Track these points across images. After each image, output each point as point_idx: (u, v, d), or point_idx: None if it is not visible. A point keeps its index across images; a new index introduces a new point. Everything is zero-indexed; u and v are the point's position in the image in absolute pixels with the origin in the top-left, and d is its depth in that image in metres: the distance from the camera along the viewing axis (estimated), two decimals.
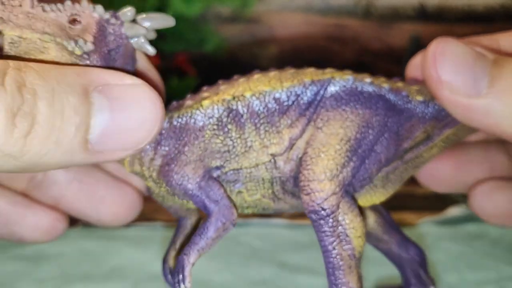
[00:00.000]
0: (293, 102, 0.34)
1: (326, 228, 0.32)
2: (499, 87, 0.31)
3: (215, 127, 0.33)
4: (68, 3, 0.31)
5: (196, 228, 0.38)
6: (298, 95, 0.34)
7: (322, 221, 0.32)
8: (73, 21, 0.31)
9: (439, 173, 0.43)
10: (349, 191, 0.34)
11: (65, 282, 0.53)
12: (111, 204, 0.40)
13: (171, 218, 0.43)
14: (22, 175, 0.39)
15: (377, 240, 0.39)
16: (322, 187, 0.32)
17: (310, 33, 0.74)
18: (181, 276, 0.32)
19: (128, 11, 0.32)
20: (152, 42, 0.34)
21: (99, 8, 0.31)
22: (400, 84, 0.35)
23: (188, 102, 0.34)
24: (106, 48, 0.32)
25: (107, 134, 0.29)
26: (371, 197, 0.36)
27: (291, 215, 0.64)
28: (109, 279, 0.54)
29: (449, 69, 0.32)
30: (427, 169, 0.42)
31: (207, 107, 0.33)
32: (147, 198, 0.44)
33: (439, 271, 0.54)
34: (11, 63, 0.27)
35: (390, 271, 0.43)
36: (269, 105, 0.33)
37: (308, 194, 0.33)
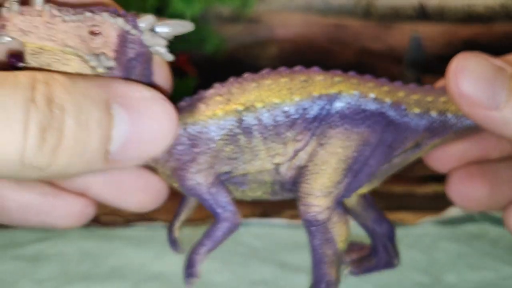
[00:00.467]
0: (300, 115, 0.35)
1: (316, 234, 0.36)
2: None
3: (227, 137, 0.35)
4: (89, 14, 0.31)
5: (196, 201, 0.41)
6: (305, 109, 0.35)
7: (313, 228, 0.36)
8: (93, 33, 0.31)
9: (473, 194, 0.44)
10: (340, 201, 0.37)
11: (65, 282, 0.53)
12: (138, 193, 0.42)
13: (171, 218, 0.44)
14: None
15: (356, 215, 0.44)
16: (317, 202, 0.36)
17: (310, 33, 0.74)
18: (192, 271, 0.37)
19: (147, 20, 0.32)
20: None
21: (120, 20, 0.32)
22: (401, 94, 0.37)
23: (202, 106, 0.35)
24: (126, 58, 0.32)
25: (126, 145, 0.30)
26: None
27: (291, 215, 0.64)
28: (109, 279, 0.54)
29: (469, 84, 0.34)
30: (462, 191, 0.44)
31: (220, 117, 0.35)
32: None
33: (439, 271, 0.54)
34: (38, 75, 0.28)
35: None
36: (278, 118, 0.35)
37: (304, 205, 0.36)
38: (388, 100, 0.36)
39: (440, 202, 0.66)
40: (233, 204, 0.36)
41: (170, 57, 0.34)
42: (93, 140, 0.29)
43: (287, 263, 0.56)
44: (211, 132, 0.35)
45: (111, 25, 0.31)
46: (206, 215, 0.58)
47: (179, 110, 0.35)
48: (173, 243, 0.42)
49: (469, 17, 0.74)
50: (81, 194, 0.41)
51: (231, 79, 0.36)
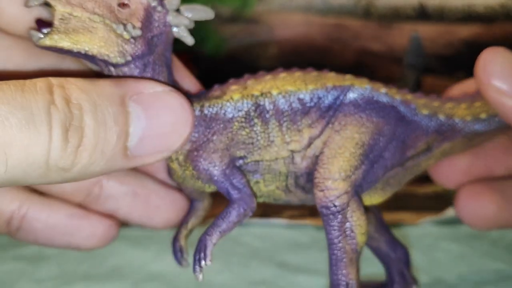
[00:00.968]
0: (315, 104, 0.36)
1: (334, 223, 0.35)
2: None
3: (243, 119, 0.36)
4: None
5: (207, 211, 0.41)
6: (320, 98, 0.36)
7: (332, 216, 0.35)
8: (122, 5, 0.32)
9: (482, 212, 0.44)
10: (358, 192, 0.36)
11: (65, 282, 0.53)
12: (164, 211, 0.43)
13: None
14: (80, 191, 0.42)
15: (369, 237, 0.42)
16: (336, 185, 0.35)
17: (310, 33, 0.74)
18: (203, 254, 0.35)
19: (174, 0, 0.34)
20: None
21: None
22: (409, 97, 0.38)
23: (218, 92, 0.36)
24: (150, 34, 0.33)
25: (144, 140, 0.31)
26: (370, 198, 0.39)
27: (291, 215, 0.64)
28: (109, 279, 0.54)
29: (497, 74, 0.35)
30: (470, 209, 0.44)
31: (237, 100, 0.36)
32: None
33: (439, 271, 0.54)
34: (52, 80, 0.29)
35: (374, 269, 0.45)
36: (293, 105, 0.36)
37: (322, 190, 0.35)
38: (398, 97, 0.37)
39: (440, 202, 0.66)
40: (248, 187, 0.36)
41: (191, 41, 0.35)
42: (111, 137, 0.30)
43: (287, 263, 0.56)
44: (228, 113, 0.36)
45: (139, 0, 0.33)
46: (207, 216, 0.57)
47: (197, 96, 0.36)
48: (177, 253, 0.41)
49: (469, 17, 0.74)
50: (106, 215, 0.42)
51: (246, 75, 0.37)
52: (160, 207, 0.42)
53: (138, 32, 0.33)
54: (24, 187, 0.40)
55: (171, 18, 0.34)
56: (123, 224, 0.53)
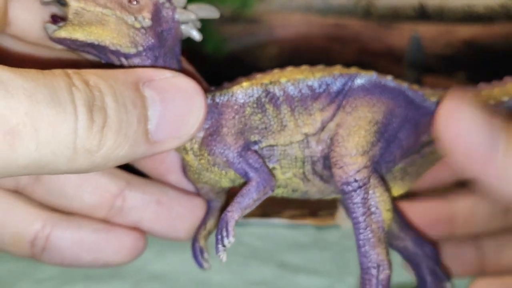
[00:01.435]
0: (324, 90, 0.37)
1: (358, 200, 0.35)
2: None
3: (254, 105, 0.36)
4: None
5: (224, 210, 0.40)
6: (328, 84, 0.37)
7: (354, 193, 0.35)
8: (132, 0, 0.34)
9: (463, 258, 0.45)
10: (377, 170, 0.36)
11: (65, 282, 0.53)
12: (187, 219, 0.42)
13: None
14: (102, 204, 0.41)
15: (394, 237, 0.41)
16: (354, 160, 0.35)
17: (310, 33, 0.74)
18: (225, 232, 0.34)
19: None
20: None
21: None
22: (416, 86, 0.38)
23: (226, 85, 0.37)
24: (160, 28, 0.35)
25: (162, 123, 0.31)
26: (391, 189, 0.38)
27: (291, 215, 0.64)
28: (109, 279, 0.54)
29: (465, 127, 0.30)
30: (452, 257, 0.44)
31: (247, 87, 0.36)
32: None
33: None
34: (69, 70, 0.29)
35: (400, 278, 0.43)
36: (303, 91, 0.36)
37: (341, 167, 0.35)
38: (405, 84, 0.37)
39: None
40: (266, 166, 0.36)
41: (198, 37, 0.36)
42: (132, 120, 0.30)
43: (287, 263, 0.56)
44: (239, 99, 0.36)
45: None
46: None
47: (207, 91, 0.37)
48: (198, 253, 0.40)
49: (469, 17, 0.74)
50: (132, 228, 0.41)
51: (254, 74, 0.38)
52: (183, 215, 0.42)
53: (148, 23, 0.34)
54: (44, 207, 0.40)
55: (179, 14, 0.35)
56: None
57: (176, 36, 0.36)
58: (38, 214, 0.39)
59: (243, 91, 0.36)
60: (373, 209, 0.35)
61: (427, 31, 0.74)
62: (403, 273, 0.43)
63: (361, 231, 0.35)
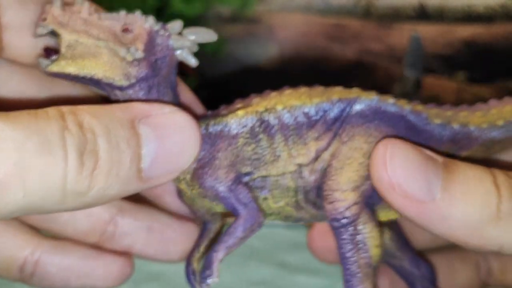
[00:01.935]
0: (320, 117, 0.36)
1: (346, 236, 0.34)
2: (453, 191, 0.31)
3: (248, 135, 0.36)
4: (122, 13, 0.34)
5: (219, 233, 0.41)
6: (325, 111, 0.36)
7: (342, 229, 0.34)
8: (125, 30, 0.33)
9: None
10: (369, 204, 0.36)
11: None
12: (180, 243, 0.43)
13: None
14: (94, 230, 0.42)
15: (391, 256, 0.41)
16: (345, 196, 0.34)
17: (310, 33, 0.74)
18: (208, 271, 0.35)
19: (176, 24, 0.34)
20: None
21: (150, 19, 0.34)
22: (419, 107, 0.37)
23: (223, 112, 0.37)
24: (154, 57, 0.34)
25: (156, 161, 0.32)
26: (387, 212, 0.37)
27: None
28: None
29: (401, 172, 0.31)
30: None
31: (241, 116, 0.36)
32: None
33: None
34: (64, 108, 0.30)
35: None
36: (299, 119, 0.36)
37: (331, 202, 0.35)
38: (407, 107, 0.36)
39: None
40: (255, 202, 0.36)
41: (194, 63, 0.35)
42: (125, 160, 0.30)
43: (287, 263, 0.56)
44: (233, 130, 0.36)
45: (142, 24, 0.34)
46: None
47: (203, 117, 0.37)
48: (191, 276, 0.40)
49: (469, 17, 0.74)
50: (120, 254, 0.42)
51: (252, 95, 0.37)
52: (175, 239, 0.43)
53: (140, 54, 0.33)
54: (35, 232, 0.41)
55: (173, 41, 0.34)
56: None
57: (171, 63, 0.35)
58: (28, 239, 0.40)
59: (237, 121, 0.36)
60: (361, 245, 0.35)
61: (427, 31, 0.74)
62: None
63: (348, 266, 0.35)
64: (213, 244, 0.36)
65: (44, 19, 0.33)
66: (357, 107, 0.36)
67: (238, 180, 0.36)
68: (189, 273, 0.40)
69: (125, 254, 0.43)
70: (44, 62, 0.33)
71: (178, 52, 0.35)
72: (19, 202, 0.28)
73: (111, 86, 0.34)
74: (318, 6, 0.74)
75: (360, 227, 0.35)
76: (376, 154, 0.32)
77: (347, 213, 0.34)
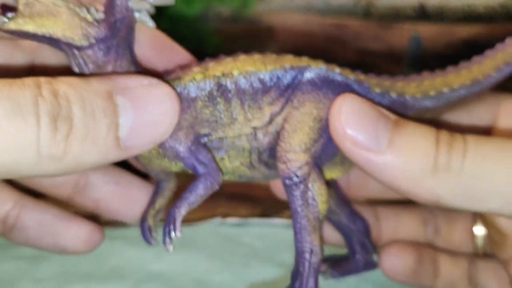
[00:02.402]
0: (274, 83, 0.38)
1: (297, 193, 0.38)
2: (398, 145, 0.34)
3: (206, 98, 0.37)
4: None
5: (173, 191, 0.44)
6: (279, 78, 0.38)
7: (294, 187, 0.37)
8: None
9: (402, 267, 0.48)
10: (318, 163, 0.39)
11: (65, 282, 0.53)
12: (142, 200, 0.46)
13: None
14: (68, 182, 0.45)
15: (330, 212, 0.45)
16: (297, 157, 0.37)
17: (310, 33, 0.74)
18: (172, 226, 0.36)
19: None
20: None
21: None
22: (362, 77, 0.40)
23: (180, 75, 0.38)
24: (113, 18, 0.34)
25: (134, 130, 0.33)
26: (331, 172, 0.42)
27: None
28: (109, 279, 0.54)
29: (353, 124, 0.35)
30: (391, 263, 0.49)
31: (200, 80, 0.37)
32: None
33: None
34: (41, 78, 0.31)
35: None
36: (254, 84, 0.38)
37: (284, 162, 0.38)
38: (351, 76, 0.39)
39: None
40: (214, 161, 0.38)
41: (152, 25, 0.36)
42: (101, 128, 0.31)
43: (287, 263, 0.56)
44: (191, 93, 0.37)
45: None
46: (205, 215, 0.58)
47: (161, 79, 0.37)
48: (146, 232, 0.42)
49: (469, 17, 0.74)
50: (90, 220, 0.46)
51: (207, 59, 0.39)
52: (139, 197, 0.45)
53: (101, 15, 0.34)
54: (16, 187, 0.44)
55: (132, 3, 0.35)
56: (123, 224, 0.53)
57: (130, 24, 0.36)
58: (10, 194, 0.44)
59: (196, 84, 0.37)
60: (310, 201, 0.38)
61: (427, 31, 0.74)
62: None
63: (298, 220, 0.38)
64: (176, 201, 0.37)
65: None
66: (308, 75, 0.38)
67: (197, 141, 0.37)
68: (145, 229, 0.42)
69: (94, 221, 0.46)
70: (1, 19, 0.33)
71: (136, 14, 0.35)
72: None
73: (70, 45, 0.34)
74: (318, 6, 0.74)
75: (310, 185, 0.38)
76: (334, 106, 0.36)
77: (299, 172, 0.37)
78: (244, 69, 0.37)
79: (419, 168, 0.34)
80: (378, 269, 0.48)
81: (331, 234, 0.49)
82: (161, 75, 0.38)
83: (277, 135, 0.38)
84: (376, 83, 0.40)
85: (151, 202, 0.43)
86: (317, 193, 0.38)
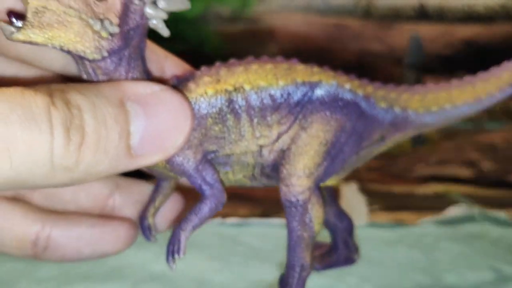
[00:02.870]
0: (285, 100, 0.38)
1: (296, 214, 0.38)
2: None
3: (216, 115, 0.36)
4: None
5: (173, 189, 0.43)
6: (289, 94, 0.38)
7: (294, 209, 0.38)
8: None
9: None
10: (318, 184, 0.39)
11: (65, 282, 0.53)
12: (167, 214, 0.44)
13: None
14: (95, 206, 0.44)
15: None
16: (300, 182, 0.38)
17: (310, 33, 0.74)
18: (177, 247, 0.36)
19: None
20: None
21: None
22: (369, 89, 0.40)
23: (191, 85, 0.36)
24: (127, 27, 0.32)
25: (146, 138, 0.32)
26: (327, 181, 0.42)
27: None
28: (109, 279, 0.54)
29: None
30: None
31: (211, 96, 0.36)
32: None
33: (439, 271, 0.54)
34: (52, 86, 0.30)
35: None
36: (264, 101, 0.37)
37: (287, 186, 0.38)
38: (360, 92, 0.39)
39: (440, 202, 0.66)
40: (220, 182, 0.37)
41: (166, 33, 0.34)
42: (113, 136, 0.30)
43: None
44: (202, 109, 0.36)
45: None
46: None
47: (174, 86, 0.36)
48: (146, 230, 0.42)
49: (469, 17, 0.74)
50: (124, 219, 0.44)
51: (217, 63, 0.38)
52: (163, 211, 0.44)
53: (115, 29, 0.32)
54: (42, 210, 0.42)
55: (148, 10, 0.33)
56: None
57: (143, 32, 0.34)
58: (36, 216, 0.41)
59: (207, 100, 0.36)
60: (307, 221, 0.38)
61: (427, 31, 0.74)
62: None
63: (293, 237, 0.38)
64: (180, 222, 0.37)
65: None
66: (318, 92, 0.38)
67: (204, 159, 0.37)
68: (144, 227, 0.42)
69: (128, 219, 0.44)
70: (8, 29, 0.30)
71: (151, 22, 0.33)
72: (7, 172, 0.28)
73: (81, 58, 0.32)
74: (318, 6, 0.74)
75: (309, 207, 0.38)
76: None
77: (300, 197, 0.38)
78: (256, 84, 0.37)
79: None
80: (380, 269, 0.48)
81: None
82: (171, 83, 0.37)
83: (282, 153, 0.38)
84: (382, 96, 0.40)
85: (151, 200, 0.43)
86: (315, 215, 0.38)
